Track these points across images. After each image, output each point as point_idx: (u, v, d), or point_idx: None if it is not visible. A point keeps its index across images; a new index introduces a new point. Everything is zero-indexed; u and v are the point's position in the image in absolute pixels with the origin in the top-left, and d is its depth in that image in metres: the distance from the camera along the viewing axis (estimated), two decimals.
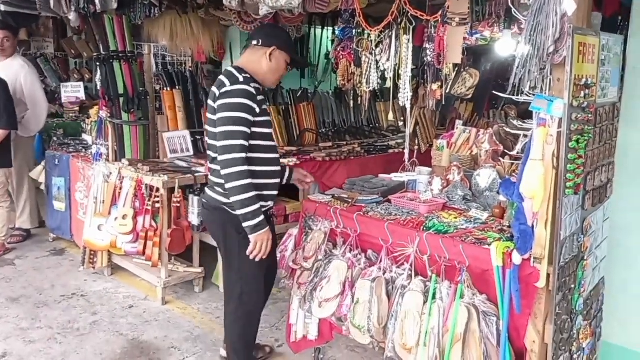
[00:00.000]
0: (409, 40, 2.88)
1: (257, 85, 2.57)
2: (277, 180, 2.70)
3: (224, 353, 3.01)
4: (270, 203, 2.70)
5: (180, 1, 4.60)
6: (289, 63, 2.73)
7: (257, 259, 2.52)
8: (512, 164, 2.80)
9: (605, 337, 2.63)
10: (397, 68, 2.94)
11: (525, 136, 2.75)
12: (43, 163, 4.85)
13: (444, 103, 3.03)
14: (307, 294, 2.65)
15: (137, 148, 4.58)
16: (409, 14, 2.80)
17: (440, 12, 2.71)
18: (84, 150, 4.69)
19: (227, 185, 2.44)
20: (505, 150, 2.94)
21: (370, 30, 2.99)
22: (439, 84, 2.85)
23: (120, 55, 4.51)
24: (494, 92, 2.62)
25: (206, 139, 2.86)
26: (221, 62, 5.60)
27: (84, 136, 5.02)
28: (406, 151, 3.52)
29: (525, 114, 3.26)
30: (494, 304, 2.13)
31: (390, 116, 3.45)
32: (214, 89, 2.56)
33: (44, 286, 4.02)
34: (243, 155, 2.43)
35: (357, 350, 3.16)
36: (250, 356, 2.86)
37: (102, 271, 4.20)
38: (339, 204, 2.74)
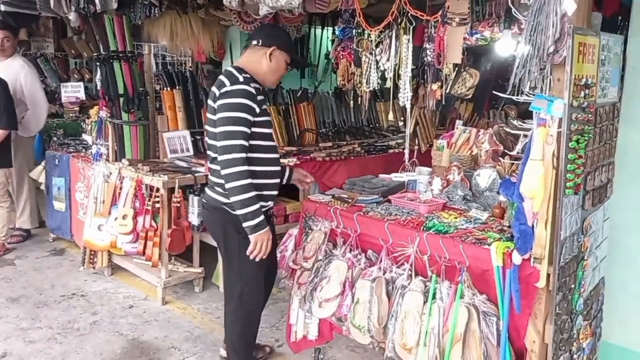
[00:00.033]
0: (409, 40, 2.88)
1: (257, 85, 2.57)
2: (277, 180, 2.70)
3: (224, 353, 3.01)
4: (270, 203, 2.70)
5: (180, 1, 4.60)
6: (289, 63, 2.73)
7: (257, 259, 2.52)
8: (512, 164, 2.80)
9: (605, 337, 2.63)
10: (397, 68, 2.94)
11: (525, 136, 2.75)
12: (43, 163, 4.85)
13: (444, 103, 3.03)
14: (307, 294, 2.65)
15: (137, 148, 4.58)
16: (409, 14, 2.80)
17: (440, 12, 2.71)
18: (84, 150, 4.69)
19: (227, 185, 2.44)
20: (505, 150, 2.94)
21: (370, 30, 2.99)
22: (439, 84, 2.85)
23: (120, 55, 4.50)
24: (494, 92, 2.61)
25: (206, 139, 2.86)
26: (221, 62, 5.60)
27: (84, 136, 5.02)
28: (406, 151, 3.51)
29: (525, 114, 3.26)
30: (494, 304, 2.13)
31: (390, 116, 3.45)
32: (214, 89, 2.56)
33: (44, 286, 4.02)
34: (243, 155, 2.43)
35: (357, 350, 3.16)
36: (250, 356, 2.86)
37: (102, 271, 4.20)
38: (339, 204, 2.74)
